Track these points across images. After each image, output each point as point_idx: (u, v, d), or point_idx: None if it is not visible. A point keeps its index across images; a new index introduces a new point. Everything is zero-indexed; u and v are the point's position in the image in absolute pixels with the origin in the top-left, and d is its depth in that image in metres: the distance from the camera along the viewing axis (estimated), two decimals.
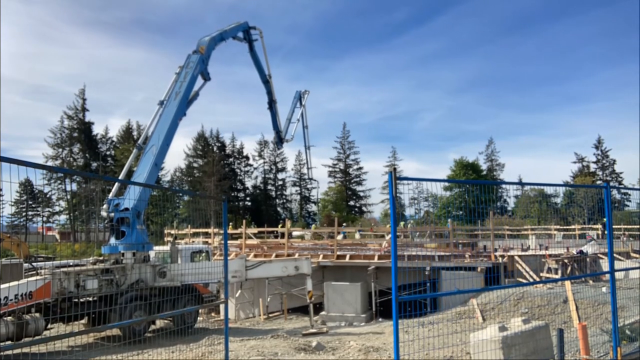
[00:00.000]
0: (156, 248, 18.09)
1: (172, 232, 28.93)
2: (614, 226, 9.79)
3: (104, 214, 16.50)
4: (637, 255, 20.78)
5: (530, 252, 22.10)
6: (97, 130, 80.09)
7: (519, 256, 20.26)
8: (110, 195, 16.99)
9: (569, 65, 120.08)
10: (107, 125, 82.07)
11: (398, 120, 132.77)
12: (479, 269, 18.99)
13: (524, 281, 17.86)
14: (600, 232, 26.65)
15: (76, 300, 14.11)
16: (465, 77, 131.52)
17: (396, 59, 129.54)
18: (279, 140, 28.63)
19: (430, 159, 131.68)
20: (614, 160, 79.62)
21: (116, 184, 17.81)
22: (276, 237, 31.32)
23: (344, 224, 46.88)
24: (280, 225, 35.40)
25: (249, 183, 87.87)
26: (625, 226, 26.33)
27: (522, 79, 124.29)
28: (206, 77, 20.28)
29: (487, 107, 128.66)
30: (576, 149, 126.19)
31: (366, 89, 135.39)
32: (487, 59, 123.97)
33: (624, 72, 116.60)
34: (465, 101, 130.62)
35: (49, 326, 13.80)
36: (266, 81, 25.72)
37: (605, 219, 7.81)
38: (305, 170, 34.41)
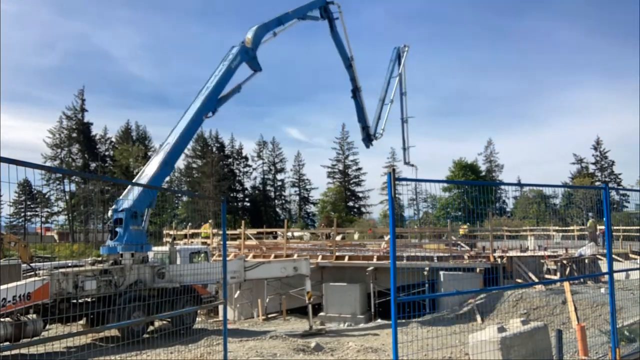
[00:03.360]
0: (155, 249, 18.05)
1: (171, 232, 28.90)
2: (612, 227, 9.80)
3: (110, 214, 16.43)
4: (636, 256, 20.79)
5: (529, 253, 22.10)
6: (96, 130, 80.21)
7: (518, 257, 20.26)
8: (122, 196, 16.84)
9: None
10: (106, 125, 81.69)
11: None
12: (477, 270, 19.00)
13: (523, 282, 17.86)
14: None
15: (74, 301, 14.09)
16: None
17: None
18: (367, 137, 24.58)
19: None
20: (613, 162, 79.80)
21: (128, 185, 17.47)
22: (275, 237, 31.29)
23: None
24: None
25: (248, 184, 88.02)
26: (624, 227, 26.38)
27: None
28: (255, 68, 18.48)
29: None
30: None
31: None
32: None
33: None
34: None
35: (47, 327, 13.77)
36: (349, 65, 22.90)
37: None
38: (404, 155, 27.68)
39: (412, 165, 28.92)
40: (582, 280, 17.78)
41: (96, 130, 79.86)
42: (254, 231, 29.79)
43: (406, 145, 28.15)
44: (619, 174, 78.96)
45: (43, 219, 77.93)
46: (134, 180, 16.91)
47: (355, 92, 23.37)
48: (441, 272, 18.77)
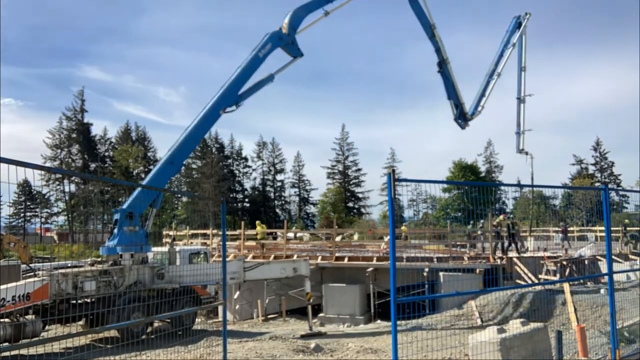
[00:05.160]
0: (154, 249, 18.05)
1: (171, 233, 28.89)
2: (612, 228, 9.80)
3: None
4: (636, 257, 20.79)
5: (528, 254, 22.09)
6: (96, 131, 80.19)
7: (518, 258, 20.25)
8: None
9: None
10: (106, 126, 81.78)
11: None
12: (477, 271, 18.99)
13: (523, 283, 17.85)
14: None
15: (74, 301, 14.08)
16: None
17: None
18: (461, 115, 21.63)
19: None
20: (613, 162, 79.78)
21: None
22: (275, 238, 31.26)
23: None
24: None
25: (247, 184, 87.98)
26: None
27: None
28: (294, 54, 17.08)
29: None
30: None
31: None
32: None
33: None
34: None
35: (47, 328, 13.76)
36: (432, 35, 20.59)
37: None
38: (519, 140, 25.40)
39: (527, 154, 25.65)
40: (581, 281, 17.78)
41: (96, 131, 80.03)
42: (254, 232, 29.82)
43: (521, 129, 25.01)
44: (619, 175, 79.05)
45: (43, 220, 77.90)
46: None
47: (442, 65, 20.95)
48: (441, 273, 18.76)
